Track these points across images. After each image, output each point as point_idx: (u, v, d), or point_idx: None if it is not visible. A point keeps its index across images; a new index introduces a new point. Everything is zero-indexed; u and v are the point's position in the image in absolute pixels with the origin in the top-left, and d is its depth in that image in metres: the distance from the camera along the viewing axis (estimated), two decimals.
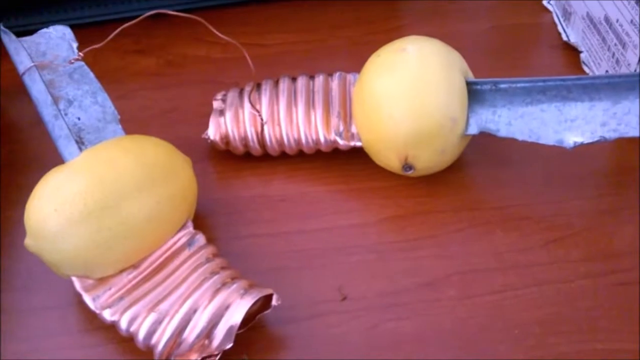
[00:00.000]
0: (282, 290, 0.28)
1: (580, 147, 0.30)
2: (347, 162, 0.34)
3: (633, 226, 0.31)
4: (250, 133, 0.33)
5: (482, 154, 0.34)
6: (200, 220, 0.31)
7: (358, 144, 0.32)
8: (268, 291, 0.26)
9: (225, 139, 0.33)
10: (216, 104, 0.34)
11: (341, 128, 0.32)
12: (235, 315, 0.25)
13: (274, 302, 0.26)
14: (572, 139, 0.30)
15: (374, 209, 0.32)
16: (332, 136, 0.32)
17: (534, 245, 0.30)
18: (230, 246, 0.30)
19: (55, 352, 0.28)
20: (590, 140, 0.30)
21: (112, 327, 0.26)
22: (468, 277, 0.29)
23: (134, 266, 0.27)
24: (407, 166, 0.31)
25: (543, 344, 0.27)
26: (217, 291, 0.26)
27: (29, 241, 0.27)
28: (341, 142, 0.32)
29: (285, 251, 0.31)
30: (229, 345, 0.26)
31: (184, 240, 0.28)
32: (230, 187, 0.33)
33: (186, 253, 0.27)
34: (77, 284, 0.27)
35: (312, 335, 0.28)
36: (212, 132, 0.33)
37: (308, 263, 0.30)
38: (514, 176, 0.33)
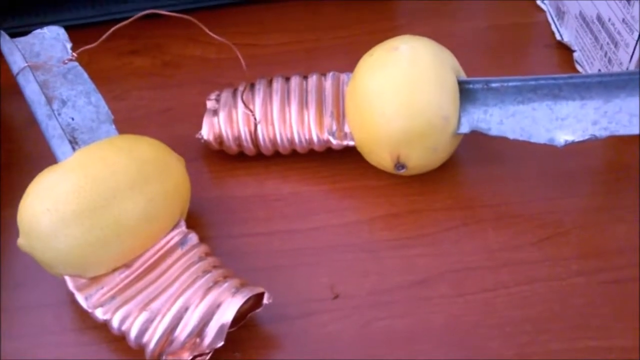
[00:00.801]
0: (275, 289, 0.28)
1: (572, 145, 0.30)
2: (340, 161, 0.34)
3: (625, 224, 0.31)
4: (244, 133, 0.33)
5: (474, 153, 0.34)
6: (194, 220, 0.31)
7: (351, 143, 0.32)
8: (259, 290, 0.27)
9: (219, 138, 0.33)
10: (210, 104, 0.34)
11: (334, 127, 0.32)
12: (227, 313, 0.26)
13: (265, 300, 0.26)
14: (563, 137, 0.30)
15: (366, 207, 0.32)
16: (325, 135, 0.32)
17: (527, 243, 0.31)
18: (223, 245, 0.31)
19: (48, 349, 0.28)
20: (581, 139, 0.30)
21: (105, 326, 0.26)
22: (460, 275, 0.30)
23: (127, 265, 0.27)
24: (400, 165, 0.31)
25: (535, 341, 0.27)
26: (208, 290, 0.26)
27: (21, 240, 0.27)
28: (334, 141, 0.32)
29: (279, 250, 0.31)
30: (220, 344, 0.26)
31: (176, 239, 0.28)
32: (224, 186, 0.33)
33: (178, 252, 0.28)
34: (70, 283, 0.27)
35: (304, 334, 0.28)
36: (206, 132, 0.33)
37: (301, 261, 0.30)
38: (507, 174, 0.33)
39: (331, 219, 0.32)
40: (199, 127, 0.34)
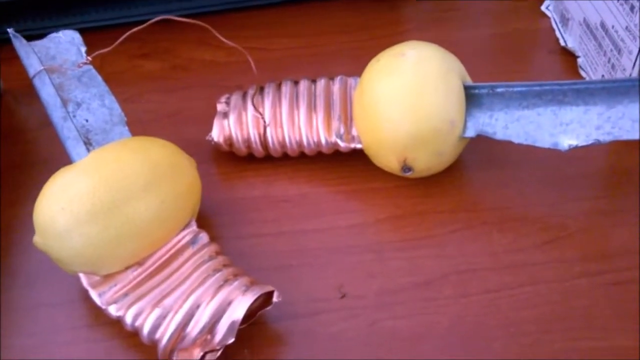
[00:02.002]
0: (283, 288, 0.28)
1: (575, 150, 0.31)
2: (347, 163, 0.34)
3: (627, 227, 0.32)
4: (253, 135, 0.34)
5: (479, 156, 0.35)
6: (204, 220, 0.32)
7: (358, 146, 0.33)
8: (269, 288, 0.27)
9: (229, 140, 0.34)
10: (220, 107, 0.34)
11: (342, 130, 0.33)
12: (237, 311, 0.26)
13: (274, 299, 0.27)
14: (567, 141, 0.31)
15: (373, 209, 0.33)
16: (333, 138, 0.33)
17: (530, 246, 0.31)
18: (232, 245, 0.31)
19: (61, 347, 0.29)
20: (585, 143, 0.31)
21: (118, 322, 0.27)
22: (464, 277, 0.30)
23: (139, 263, 0.28)
24: (406, 168, 0.32)
25: (538, 341, 0.28)
26: (219, 288, 0.27)
27: (37, 239, 0.28)
28: (342, 144, 0.33)
29: (287, 250, 0.31)
30: (231, 340, 0.26)
31: (187, 238, 0.29)
32: (234, 187, 0.34)
33: (190, 251, 0.28)
34: (84, 280, 0.27)
35: (311, 332, 0.28)
36: (216, 134, 0.34)
37: (308, 262, 0.31)
38: (511, 178, 0.34)
39: (338, 221, 0.32)
40: (209, 130, 0.34)
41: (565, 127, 0.31)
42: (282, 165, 0.35)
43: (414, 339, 0.28)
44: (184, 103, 0.38)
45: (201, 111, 0.37)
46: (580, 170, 0.34)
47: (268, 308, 0.28)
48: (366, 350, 0.28)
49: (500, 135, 0.32)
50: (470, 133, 0.32)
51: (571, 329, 0.28)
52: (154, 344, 0.26)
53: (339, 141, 0.33)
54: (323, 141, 0.33)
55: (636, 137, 0.30)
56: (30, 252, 0.31)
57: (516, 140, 0.32)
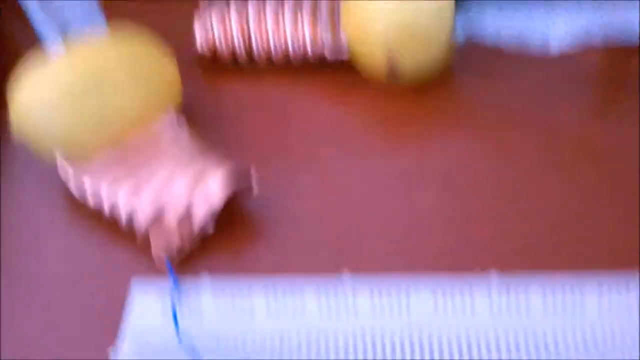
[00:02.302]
0: (265, 183, 0.28)
1: (569, 57, 0.30)
2: (333, 73, 0.33)
3: (622, 127, 0.31)
4: (237, 38, 0.33)
5: (471, 65, 0.34)
6: (188, 121, 0.31)
7: (345, 53, 0.32)
8: (247, 169, 0.27)
9: (213, 47, 0.33)
10: (202, 5, 0.33)
11: (328, 33, 0.32)
12: (216, 195, 0.26)
13: (253, 177, 0.27)
14: (559, 39, 0.30)
15: (358, 114, 0.32)
16: (319, 39, 0.32)
17: (523, 148, 0.30)
18: (214, 140, 0.30)
19: (41, 241, 0.28)
20: (577, 42, 0.30)
21: (97, 212, 0.27)
22: (452, 174, 0.30)
23: (117, 149, 0.27)
24: (393, 69, 0.31)
25: (517, 228, 0.28)
26: (198, 172, 0.26)
27: (15, 129, 0.27)
28: (327, 45, 0.32)
29: (269, 150, 0.31)
30: (209, 225, 0.26)
31: (166, 124, 0.28)
32: (217, 92, 0.33)
33: (168, 136, 0.28)
34: (63, 171, 0.27)
35: (293, 224, 0.28)
36: (199, 35, 0.33)
37: (292, 161, 0.30)
38: (503, 85, 0.33)
39: (322, 124, 0.32)
40: (193, 42, 0.33)
41: (557, 26, 0.30)
42: (266, 72, 0.34)
43: (401, 232, 0.28)
44: (168, 15, 0.37)
45: (186, 24, 0.36)
46: (573, 75, 0.33)
47: (247, 197, 0.27)
48: (349, 238, 0.28)
49: (491, 37, 0.31)
50: (460, 36, 0.31)
51: (563, 224, 0.28)
52: (132, 230, 0.26)
53: (324, 42, 0.32)
54: (308, 42, 0.32)
55: (628, 35, 0.30)
56: (9, 151, 0.30)
57: (508, 42, 0.31)
